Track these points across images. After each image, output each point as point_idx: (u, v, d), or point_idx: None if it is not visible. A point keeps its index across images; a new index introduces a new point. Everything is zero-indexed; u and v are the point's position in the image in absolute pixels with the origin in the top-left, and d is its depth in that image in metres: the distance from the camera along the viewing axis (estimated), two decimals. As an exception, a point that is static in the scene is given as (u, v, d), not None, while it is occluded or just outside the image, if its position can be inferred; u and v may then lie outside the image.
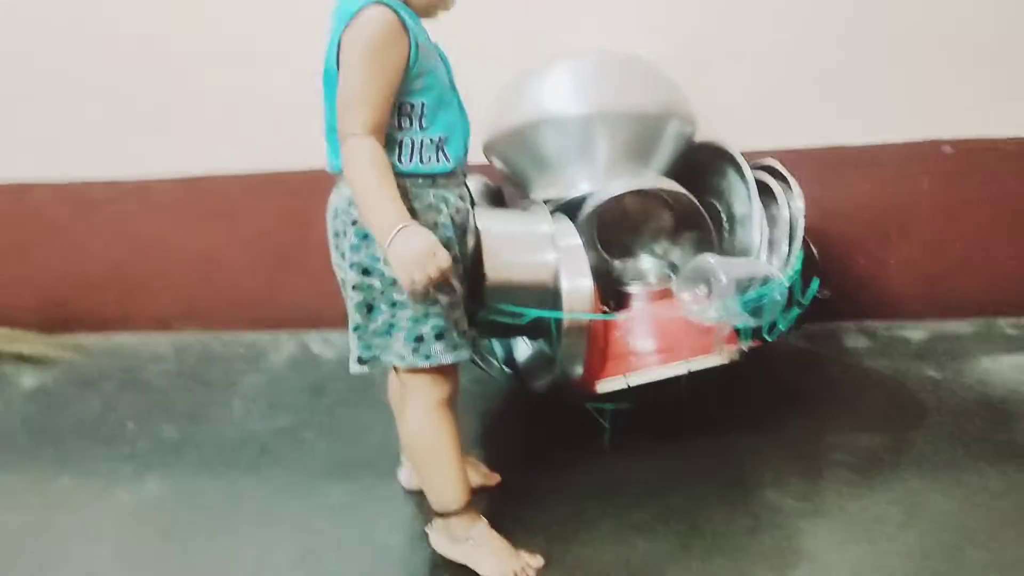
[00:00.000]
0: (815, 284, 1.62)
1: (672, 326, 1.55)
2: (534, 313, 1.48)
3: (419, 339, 1.29)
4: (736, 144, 1.82)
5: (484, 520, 1.37)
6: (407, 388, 1.34)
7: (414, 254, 1.18)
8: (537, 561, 1.36)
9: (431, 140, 1.31)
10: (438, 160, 1.32)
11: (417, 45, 1.25)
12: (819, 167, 1.97)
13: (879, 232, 2.03)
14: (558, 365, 1.52)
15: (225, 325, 2.26)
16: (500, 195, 1.89)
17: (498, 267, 1.53)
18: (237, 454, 1.73)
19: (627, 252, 1.78)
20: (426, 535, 1.42)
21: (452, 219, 1.33)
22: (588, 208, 1.66)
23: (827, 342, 2.00)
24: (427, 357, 1.29)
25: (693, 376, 1.52)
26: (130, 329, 2.29)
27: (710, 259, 1.54)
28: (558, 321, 1.49)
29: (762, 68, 1.96)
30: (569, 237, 1.57)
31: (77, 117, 2.14)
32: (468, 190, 1.41)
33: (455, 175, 1.36)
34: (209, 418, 1.87)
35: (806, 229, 1.73)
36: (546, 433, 1.72)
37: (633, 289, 1.66)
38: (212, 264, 2.22)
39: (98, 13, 2.06)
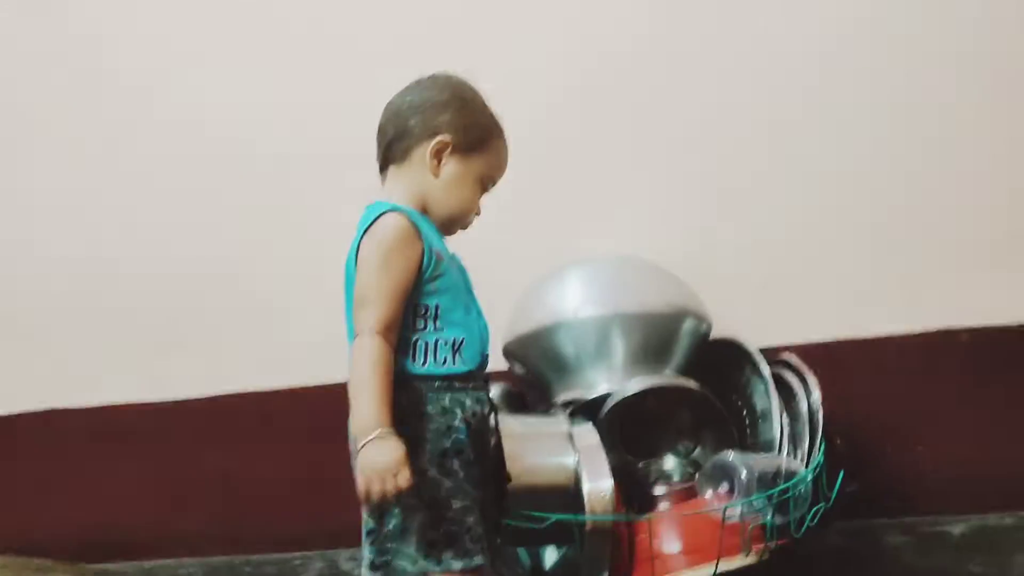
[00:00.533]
0: (841, 476, 1.60)
1: (698, 526, 1.53)
2: (555, 517, 1.47)
3: (431, 544, 1.28)
4: (755, 340, 1.86)
5: None
6: None
7: (379, 467, 1.19)
8: None
9: (445, 342, 1.33)
10: (454, 362, 1.33)
11: (431, 249, 1.32)
12: (834, 361, 1.98)
13: (907, 424, 2.02)
14: (583, 570, 1.50)
15: (255, 547, 2.24)
16: (523, 400, 1.92)
17: (517, 471, 1.54)
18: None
19: (650, 452, 1.78)
20: None
21: (468, 423, 1.32)
22: (607, 408, 1.68)
23: (866, 539, 1.94)
24: (439, 563, 1.27)
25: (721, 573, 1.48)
26: (161, 556, 2.28)
27: (731, 455, 1.54)
28: (580, 524, 1.48)
29: (776, 264, 2.03)
30: (588, 437, 1.59)
31: (102, 341, 2.23)
32: (488, 394, 1.41)
33: (472, 378, 1.36)
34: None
35: (831, 422, 1.74)
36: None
37: (658, 490, 1.66)
38: (242, 485, 2.24)
39: (120, 238, 2.19)
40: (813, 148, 1.97)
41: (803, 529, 1.53)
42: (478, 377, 1.38)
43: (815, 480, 1.57)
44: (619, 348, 1.73)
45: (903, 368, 2.00)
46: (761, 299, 2.03)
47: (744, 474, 1.50)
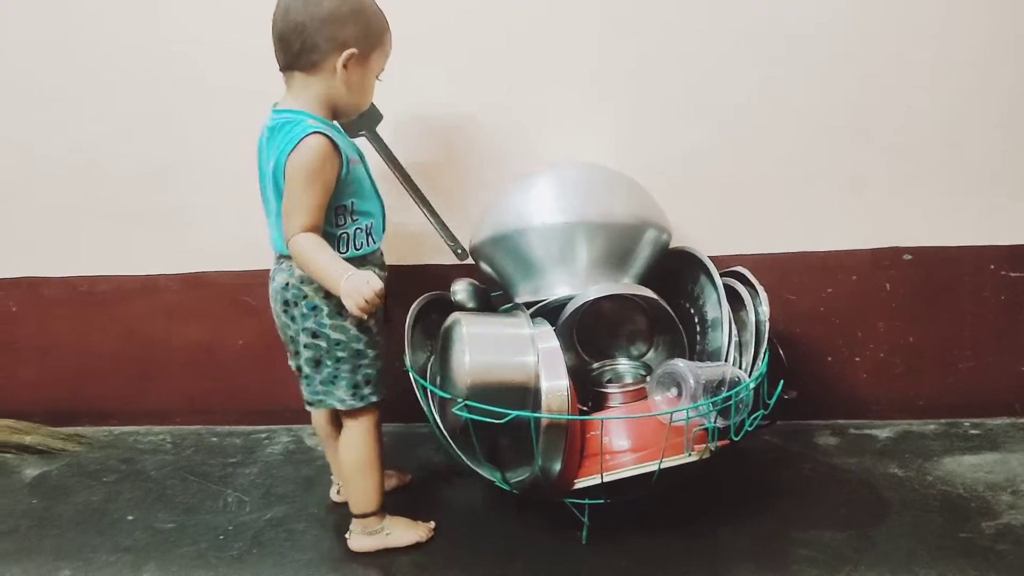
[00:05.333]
0: (780, 385, 1.72)
1: (645, 427, 1.65)
2: (514, 413, 1.58)
3: (356, 386, 1.68)
4: (708, 250, 1.95)
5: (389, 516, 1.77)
6: (346, 422, 1.73)
7: (352, 287, 1.51)
8: (431, 524, 1.81)
9: (361, 229, 1.67)
10: (368, 243, 1.68)
11: (347, 160, 1.60)
12: (787, 272, 2.09)
13: (846, 335, 2.14)
14: (537, 463, 1.61)
15: (223, 418, 2.34)
16: (486, 295, 2.00)
17: (481, 368, 1.65)
18: (230, 545, 1.80)
19: (605, 354, 1.88)
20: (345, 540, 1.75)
21: (382, 300, 1.60)
22: (567, 312, 1.77)
23: (798, 440, 2.09)
24: (362, 399, 1.69)
25: (670, 474, 1.61)
26: (131, 423, 2.37)
27: (680, 363, 1.65)
28: (537, 420, 1.59)
29: (734, 180, 2.08)
30: (548, 340, 1.68)
31: (82, 214, 2.25)
32: (384, 260, 1.77)
33: (377, 252, 1.73)
34: (204, 509, 1.94)
35: (774, 332, 1.85)
36: (527, 528, 1.80)
37: (609, 389, 1.77)
38: (211, 358, 2.31)
39: (102, 122, 2.19)
40: (773, 61, 1.99)
41: (742, 433, 1.66)
42: (380, 248, 1.73)
43: (756, 388, 1.69)
44: (582, 254, 1.80)
45: (847, 282, 2.10)
46: (719, 209, 2.10)
47: (691, 381, 1.61)
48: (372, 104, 1.86)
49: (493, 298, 2.00)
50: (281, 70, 1.64)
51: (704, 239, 2.04)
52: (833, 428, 2.15)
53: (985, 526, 1.72)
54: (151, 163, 2.20)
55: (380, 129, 1.94)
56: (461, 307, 1.93)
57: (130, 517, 1.93)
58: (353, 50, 1.59)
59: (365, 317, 1.58)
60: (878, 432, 2.12)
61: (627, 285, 1.81)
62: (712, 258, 1.92)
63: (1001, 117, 2.00)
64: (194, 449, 2.24)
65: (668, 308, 1.78)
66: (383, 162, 1.95)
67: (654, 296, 1.77)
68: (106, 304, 2.30)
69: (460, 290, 1.95)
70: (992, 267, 2.07)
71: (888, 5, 1.96)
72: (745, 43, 2.00)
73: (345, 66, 1.59)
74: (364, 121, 1.89)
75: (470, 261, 1.99)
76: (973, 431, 2.10)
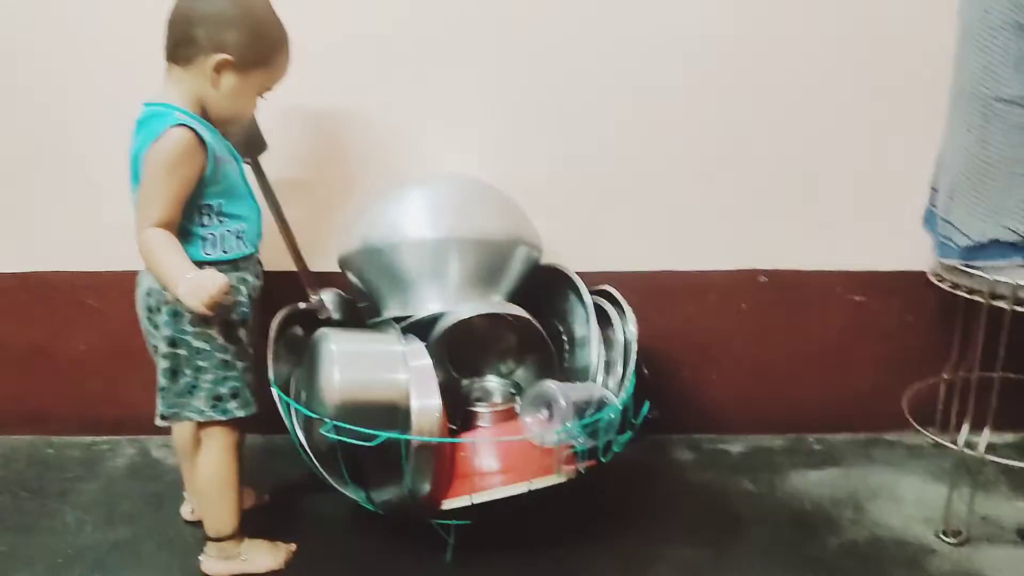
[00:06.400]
0: (646, 406, 1.75)
1: (515, 448, 1.64)
2: (384, 436, 1.54)
3: (218, 398, 1.59)
4: (575, 265, 1.97)
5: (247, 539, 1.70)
6: (204, 436, 1.63)
7: (195, 284, 1.44)
8: (292, 546, 1.74)
9: (230, 231, 1.59)
10: (238, 248, 1.61)
11: (215, 157, 1.53)
12: (650, 290, 2.13)
13: (703, 351, 2.20)
14: (406, 483, 1.58)
15: (60, 428, 2.19)
16: (354, 307, 1.95)
17: (351, 386, 1.60)
18: (70, 570, 1.68)
19: (475, 371, 1.87)
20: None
21: (250, 296, 1.61)
22: (439, 330, 1.74)
23: (656, 454, 2.14)
24: (224, 412, 1.60)
25: (537, 493, 1.61)
26: (-47, 431, 2.18)
27: (551, 384, 1.65)
28: (407, 441, 1.56)
29: (602, 197, 2.11)
30: (420, 357, 1.65)
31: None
32: (262, 268, 1.70)
33: (252, 258, 1.66)
34: (40, 530, 1.81)
35: (641, 348, 1.88)
36: (391, 548, 1.76)
37: (479, 408, 1.75)
38: (48, 363, 2.16)
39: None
40: (648, 78, 2.03)
41: (610, 454, 1.68)
42: (255, 256, 1.67)
43: (623, 408, 1.72)
44: (454, 271, 1.78)
45: (706, 301, 2.17)
46: (586, 225, 2.13)
47: (562, 403, 1.61)
48: (258, 130, 1.80)
49: (360, 310, 1.95)
50: (166, 60, 1.57)
51: (571, 255, 2.05)
52: (689, 443, 2.21)
53: (831, 541, 1.81)
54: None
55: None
56: (327, 319, 1.88)
57: (-45, 539, 1.78)
58: (227, 56, 1.52)
59: (211, 315, 1.49)
60: (730, 447, 2.19)
61: (499, 304, 1.80)
62: (578, 273, 1.94)
63: (851, 153, 2.09)
64: (27, 462, 2.08)
65: (540, 328, 1.78)
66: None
67: (526, 316, 1.77)
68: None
69: (327, 301, 1.90)
70: (838, 290, 2.17)
71: (748, 35, 2.02)
72: (621, 59, 2.02)
73: (217, 71, 1.53)
74: (246, 147, 1.77)
75: (336, 269, 1.93)
76: (816, 446, 2.20)
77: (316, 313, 1.87)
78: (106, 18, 1.97)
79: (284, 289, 1.86)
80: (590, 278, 1.96)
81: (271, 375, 1.71)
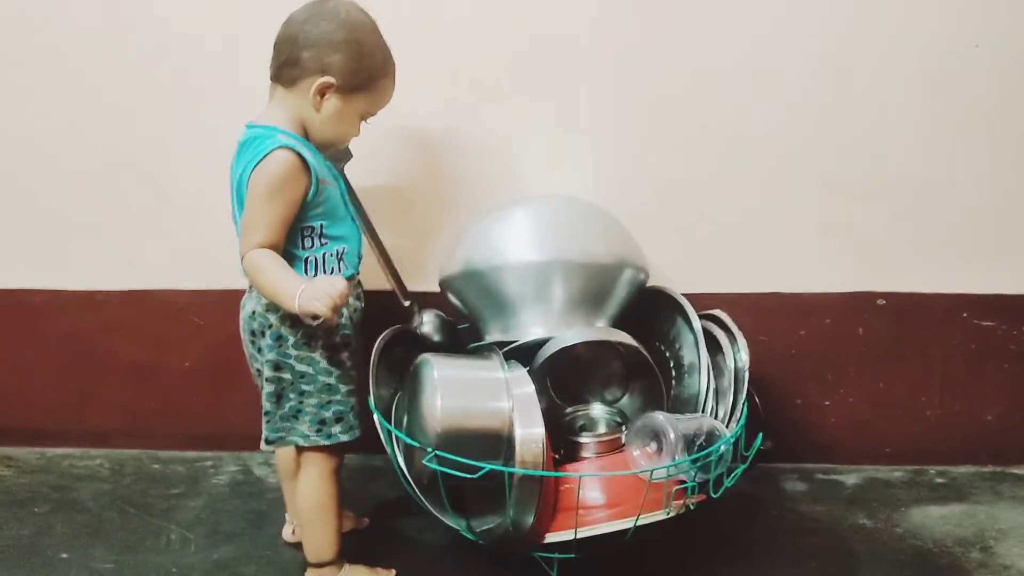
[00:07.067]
0: (759, 439, 1.67)
1: (622, 483, 1.58)
2: (488, 467, 1.50)
3: (322, 422, 1.58)
4: (681, 287, 1.90)
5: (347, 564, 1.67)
6: (304, 461, 1.62)
7: (313, 293, 1.39)
8: (392, 572, 1.71)
9: (331, 253, 1.57)
10: (339, 269, 1.58)
11: (317, 180, 1.50)
12: (760, 313, 2.05)
13: (816, 377, 2.10)
14: (508, 515, 1.54)
15: (165, 443, 2.21)
16: (454, 329, 1.91)
17: (454, 414, 1.56)
18: (174, 591, 1.70)
19: (578, 398, 1.81)
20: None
21: (351, 319, 1.60)
22: (542, 356, 1.69)
23: (766, 485, 2.05)
24: (328, 437, 1.58)
25: (644, 529, 1.55)
26: (66, 444, 2.22)
27: (659, 416, 1.58)
28: (511, 473, 1.51)
29: (709, 218, 2.04)
30: (523, 385, 1.60)
31: (20, 223, 2.12)
32: (362, 289, 1.67)
33: (353, 279, 1.63)
34: (146, 548, 1.82)
35: (752, 374, 1.80)
36: (492, 577, 1.72)
37: (584, 439, 1.69)
38: (154, 379, 2.19)
39: (41, 124, 2.06)
40: (757, 101, 1.96)
41: (722, 490, 1.60)
42: (355, 277, 1.64)
43: (735, 441, 1.64)
44: (558, 294, 1.73)
45: (820, 325, 2.07)
46: (693, 246, 2.06)
47: (672, 436, 1.55)
48: None
49: (460, 332, 1.92)
50: (271, 80, 1.57)
51: (677, 276, 1.99)
52: (801, 473, 2.11)
53: (958, 586, 1.70)
54: (98, 167, 2.07)
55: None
56: (427, 340, 1.85)
57: (64, 555, 1.80)
58: (330, 79, 1.52)
59: (334, 317, 1.43)
60: (845, 478, 2.09)
61: (606, 330, 1.74)
62: (685, 295, 1.87)
63: (976, 170, 1.98)
64: (134, 477, 2.11)
65: (647, 356, 1.71)
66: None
67: (634, 343, 1.71)
68: (40, 317, 2.16)
69: (426, 322, 1.87)
70: (964, 315, 2.05)
71: (862, 51, 1.93)
72: (717, 80, 1.95)
73: (320, 94, 1.53)
74: (332, 158, 1.76)
75: (435, 288, 1.90)
76: (939, 479, 2.08)
77: (413, 327, 1.85)
78: (210, 36, 1.99)
79: (382, 308, 1.83)
80: (698, 301, 1.89)
81: (372, 401, 1.69)
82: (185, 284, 2.12)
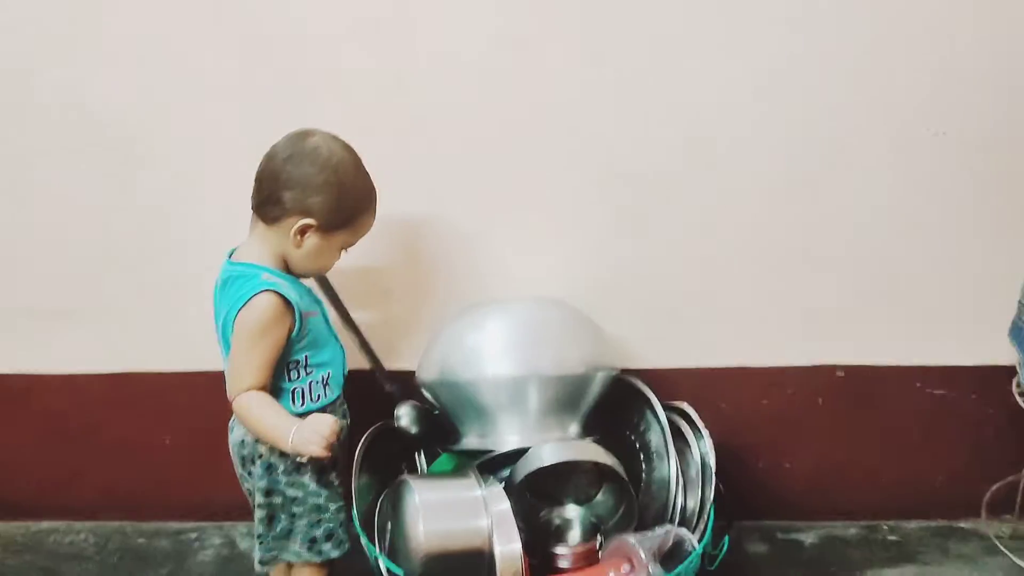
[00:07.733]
0: (725, 542, 1.77)
1: (599, 599, 1.67)
2: (472, 595, 1.58)
3: (313, 540, 1.64)
4: (647, 361, 1.98)
5: None
6: (298, 571, 1.68)
7: (305, 436, 1.47)
8: None
9: (316, 381, 1.63)
10: (325, 394, 1.64)
11: (301, 315, 1.55)
12: (725, 384, 2.13)
13: (777, 442, 2.20)
14: (490, 632, 1.62)
15: (149, 513, 2.27)
16: (431, 417, 1.97)
17: (436, 537, 1.63)
18: None
19: (552, 498, 1.88)
20: None
21: (338, 437, 1.57)
22: (520, 473, 1.74)
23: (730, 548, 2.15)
24: (319, 554, 1.64)
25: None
26: (49, 517, 2.27)
27: (630, 540, 1.66)
28: (492, 590, 1.59)
29: (676, 295, 2.10)
30: (500, 502, 1.67)
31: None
32: (347, 407, 1.74)
33: (337, 399, 1.69)
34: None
35: (719, 437, 1.89)
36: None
37: (560, 551, 1.77)
38: (136, 453, 2.23)
39: (29, 210, 2.07)
40: (715, 179, 2.01)
41: (691, 595, 1.70)
42: (341, 397, 1.70)
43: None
44: (533, 404, 1.79)
45: (784, 396, 2.15)
46: (659, 322, 2.12)
47: (643, 556, 1.63)
48: None
49: (436, 417, 1.97)
50: (252, 210, 1.60)
51: (646, 353, 2.08)
52: (761, 531, 2.21)
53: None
54: (77, 256, 2.09)
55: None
56: (405, 433, 1.92)
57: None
58: (310, 221, 1.54)
59: (329, 455, 1.51)
60: (804, 536, 2.20)
61: (582, 447, 1.79)
62: (652, 371, 1.95)
63: (931, 253, 2.06)
64: (119, 555, 2.16)
65: (620, 469, 1.77)
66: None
67: (608, 463, 1.75)
68: (20, 399, 2.19)
69: (404, 415, 1.94)
70: (917, 384, 2.14)
71: (827, 129, 1.98)
72: (675, 157, 2.00)
73: (300, 233, 1.55)
74: None
75: (412, 368, 1.97)
76: (891, 536, 2.20)
77: (396, 420, 1.92)
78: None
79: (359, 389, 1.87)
80: (667, 376, 1.97)
81: (357, 524, 1.73)
82: (167, 367, 2.15)
